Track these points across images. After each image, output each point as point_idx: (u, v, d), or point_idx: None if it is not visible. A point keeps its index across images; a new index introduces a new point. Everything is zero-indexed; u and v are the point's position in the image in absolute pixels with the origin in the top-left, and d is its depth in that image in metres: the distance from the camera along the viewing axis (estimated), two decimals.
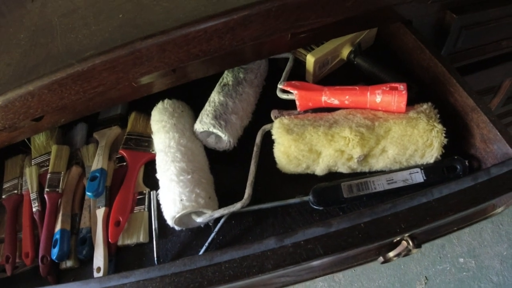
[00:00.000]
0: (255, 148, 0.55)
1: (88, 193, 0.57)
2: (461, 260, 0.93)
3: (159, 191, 0.53)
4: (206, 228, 0.54)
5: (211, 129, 0.54)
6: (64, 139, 0.67)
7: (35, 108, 0.52)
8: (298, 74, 0.65)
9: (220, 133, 0.54)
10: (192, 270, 0.41)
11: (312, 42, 0.62)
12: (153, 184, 0.59)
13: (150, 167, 0.61)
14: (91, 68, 0.46)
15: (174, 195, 0.50)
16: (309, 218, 0.53)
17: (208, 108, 0.56)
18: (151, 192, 0.56)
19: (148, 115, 0.64)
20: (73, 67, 0.46)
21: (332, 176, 0.55)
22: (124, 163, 0.62)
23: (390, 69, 0.60)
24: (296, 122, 0.54)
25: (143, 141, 0.62)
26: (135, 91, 0.55)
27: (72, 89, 0.49)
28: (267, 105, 0.61)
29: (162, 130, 0.56)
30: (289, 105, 0.58)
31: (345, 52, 0.63)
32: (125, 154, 0.60)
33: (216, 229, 0.52)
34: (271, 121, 0.58)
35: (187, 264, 0.42)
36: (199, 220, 0.50)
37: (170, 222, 0.50)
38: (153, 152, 0.61)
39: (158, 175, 0.55)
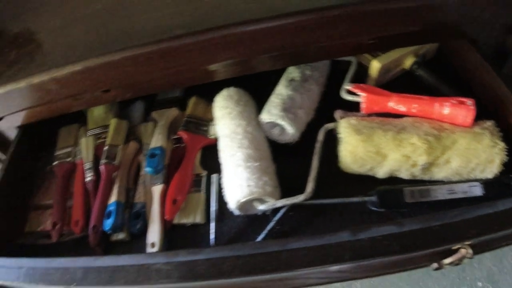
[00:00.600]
0: (317, 145, 0.56)
1: (147, 169, 0.57)
2: (480, 284, 0.94)
3: (223, 175, 0.54)
4: (262, 216, 0.55)
5: (279, 121, 0.55)
6: (120, 115, 0.67)
7: (112, 79, 0.52)
8: (358, 78, 0.66)
9: (287, 126, 0.55)
10: (267, 254, 0.42)
11: (378, 49, 0.63)
12: (209, 168, 0.60)
13: (207, 151, 0.62)
14: (183, 46, 0.47)
15: (241, 180, 0.50)
16: (366, 219, 0.53)
17: (275, 100, 0.57)
18: (212, 175, 0.57)
19: (208, 101, 0.64)
20: (164, 42, 0.47)
21: (391, 180, 0.55)
22: (181, 145, 0.62)
23: (451, 84, 0.62)
24: (364, 123, 0.55)
25: (202, 125, 0.63)
26: (207, 75, 0.56)
27: (156, 64, 0.50)
28: (326, 104, 0.62)
29: (228, 116, 0.57)
30: (351, 107, 0.59)
31: (408, 62, 0.65)
32: (184, 136, 0.61)
33: (276, 218, 0.52)
34: (330, 120, 0.59)
35: (259, 248, 0.43)
36: (261, 207, 0.51)
37: (233, 205, 0.51)
38: (211, 137, 0.62)
39: (222, 160, 0.55)
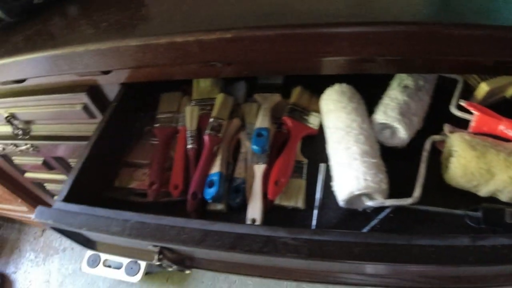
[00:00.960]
0: (424, 153, 0.57)
1: (254, 147, 0.58)
2: None
3: (334, 166, 0.55)
4: (363, 212, 0.55)
5: (395, 123, 0.56)
6: (224, 91, 0.68)
7: (239, 53, 0.52)
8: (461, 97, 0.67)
9: (401, 130, 0.56)
10: (395, 245, 0.42)
11: (491, 73, 0.64)
12: (308, 156, 0.61)
13: (306, 140, 0.63)
14: (336, 34, 0.47)
15: (358, 173, 0.51)
16: (464, 232, 0.54)
17: (391, 104, 0.58)
18: (320, 164, 0.58)
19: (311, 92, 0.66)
20: (324, 28, 0.47)
21: (489, 200, 0.56)
22: (282, 130, 0.63)
23: None
24: (477, 141, 0.55)
25: (306, 115, 0.64)
26: (323, 67, 0.57)
27: (288, 47, 0.50)
28: (431, 116, 0.63)
29: (343, 111, 0.58)
30: (458, 123, 0.60)
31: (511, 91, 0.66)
32: (289, 122, 0.62)
33: (381, 216, 0.53)
34: (434, 132, 0.59)
35: (387, 239, 0.43)
36: (370, 203, 0.52)
37: (344, 196, 0.52)
38: (313, 127, 0.63)
39: (332, 151, 0.56)
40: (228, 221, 0.56)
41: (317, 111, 0.65)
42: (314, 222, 0.54)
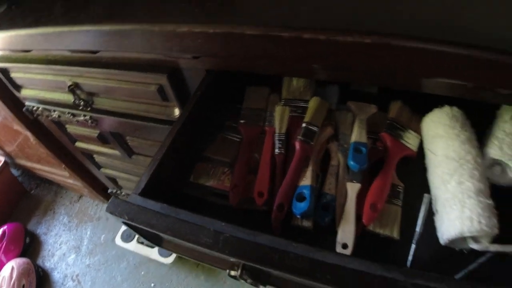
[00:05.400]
0: None
1: (352, 163, 0.53)
2: None
3: (441, 199, 0.50)
4: (460, 252, 0.50)
5: (511, 162, 0.50)
6: (316, 94, 0.63)
7: (339, 57, 0.47)
8: None
9: None
10: None
11: None
12: (404, 181, 0.56)
13: (402, 163, 0.57)
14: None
15: (472, 214, 0.46)
16: None
17: (506, 139, 0.52)
18: (425, 195, 0.52)
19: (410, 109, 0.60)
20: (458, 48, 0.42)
21: None
22: (376, 146, 0.58)
23: None
24: None
25: (405, 134, 0.58)
26: (421, 85, 0.50)
27: (392, 57, 0.44)
28: None
29: (456, 139, 0.52)
30: None
31: None
32: (388, 140, 0.57)
33: (481, 260, 0.48)
34: None
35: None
36: (474, 246, 0.47)
37: (452, 236, 0.47)
38: (412, 148, 0.58)
39: (440, 181, 0.51)
40: (315, 241, 0.53)
41: (417, 131, 0.59)
42: (410, 258, 0.49)
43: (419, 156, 0.58)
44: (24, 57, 0.77)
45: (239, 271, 0.48)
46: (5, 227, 1.45)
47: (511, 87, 0.43)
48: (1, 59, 0.81)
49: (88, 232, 1.47)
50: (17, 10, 0.68)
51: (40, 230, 1.52)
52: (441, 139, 0.54)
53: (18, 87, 0.88)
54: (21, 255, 1.41)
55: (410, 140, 0.59)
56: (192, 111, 0.59)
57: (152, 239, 0.59)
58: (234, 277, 0.51)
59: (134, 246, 1.30)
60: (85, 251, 1.42)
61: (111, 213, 0.49)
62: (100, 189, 1.37)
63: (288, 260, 0.40)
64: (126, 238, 1.31)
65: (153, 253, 1.27)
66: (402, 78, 0.50)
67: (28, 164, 1.41)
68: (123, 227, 1.31)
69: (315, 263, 0.40)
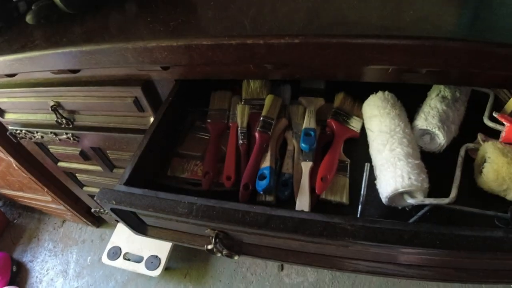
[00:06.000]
0: (460, 159, 0.62)
1: (303, 145, 0.63)
2: None
3: (378, 166, 0.59)
4: (402, 210, 0.60)
5: (435, 129, 0.61)
6: (272, 93, 0.73)
7: (297, 57, 0.56)
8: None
9: (441, 136, 0.61)
10: (439, 234, 0.46)
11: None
12: (350, 157, 0.66)
13: (349, 143, 0.68)
14: (392, 45, 0.52)
15: (402, 172, 0.56)
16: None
17: (431, 112, 0.63)
18: (366, 164, 0.62)
19: (353, 99, 0.71)
20: (383, 39, 0.52)
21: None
22: (325, 132, 0.68)
23: None
24: (509, 149, 0.60)
25: (348, 119, 0.69)
26: (369, 75, 0.61)
27: (363, 56, 0.54)
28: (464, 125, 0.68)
29: (387, 116, 0.63)
30: (489, 133, 0.65)
31: None
32: (333, 124, 0.67)
33: (420, 213, 0.58)
34: (465, 141, 0.64)
35: (428, 228, 0.47)
36: (411, 201, 0.56)
37: (388, 193, 0.56)
38: (355, 130, 0.68)
39: (376, 152, 0.61)
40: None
41: (359, 116, 0.70)
42: (358, 216, 0.58)
43: (364, 137, 0.68)
44: (8, 82, 0.85)
45: (213, 241, 0.56)
46: None
47: (430, 66, 0.53)
48: None
49: (74, 256, 1.50)
50: (0, 39, 0.76)
51: (26, 258, 1.54)
52: (375, 118, 0.64)
53: (2, 112, 0.95)
54: (9, 284, 1.43)
55: (354, 124, 0.69)
56: (165, 113, 0.68)
57: (137, 228, 0.66)
58: (211, 250, 0.58)
59: (120, 263, 1.34)
60: (72, 275, 1.45)
61: (100, 200, 0.56)
62: (83, 211, 1.41)
63: (248, 217, 0.49)
64: (113, 256, 1.35)
65: (140, 267, 1.31)
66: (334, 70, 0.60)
67: (10, 192, 1.44)
68: (109, 246, 1.35)
69: (270, 217, 0.48)
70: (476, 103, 0.71)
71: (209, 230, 0.56)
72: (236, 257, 0.60)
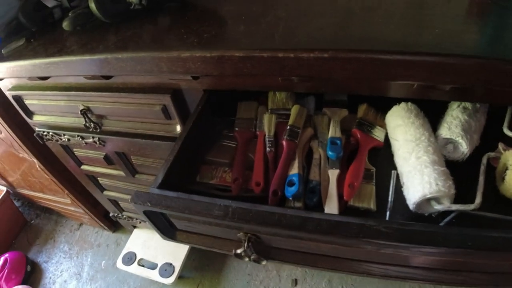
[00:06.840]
0: (482, 167, 0.64)
1: (330, 153, 0.65)
2: None
3: (405, 173, 0.62)
4: (428, 217, 0.61)
5: (458, 138, 0.63)
6: (297, 103, 0.75)
7: (323, 71, 0.59)
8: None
9: (464, 145, 0.63)
10: (470, 235, 0.48)
11: None
12: (375, 166, 0.68)
13: (373, 153, 0.70)
14: (418, 62, 0.54)
15: (430, 179, 0.58)
16: None
17: (454, 121, 0.65)
18: (393, 171, 0.64)
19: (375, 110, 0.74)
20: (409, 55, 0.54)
21: None
22: (349, 141, 0.70)
23: None
24: None
25: (373, 129, 0.71)
26: (395, 90, 0.63)
27: (389, 71, 0.56)
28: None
29: (411, 125, 0.65)
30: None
31: None
32: (358, 134, 0.69)
33: (447, 219, 0.60)
34: (486, 150, 0.66)
35: (460, 231, 0.49)
36: (438, 207, 0.58)
37: (416, 199, 0.58)
38: (379, 139, 0.70)
39: (402, 160, 0.63)
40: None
41: (382, 126, 0.72)
42: None
43: (387, 147, 0.70)
44: (39, 85, 0.88)
45: (245, 245, 0.58)
46: (6, 255, 1.49)
47: (454, 83, 0.55)
48: (17, 88, 0.91)
49: (89, 259, 1.51)
50: (36, 43, 0.80)
51: (40, 259, 1.56)
52: (400, 128, 0.67)
53: (31, 114, 0.98)
54: (23, 283, 1.45)
55: (377, 133, 0.71)
56: (195, 121, 0.71)
57: (167, 232, 0.68)
58: (239, 255, 0.60)
59: (135, 268, 1.36)
60: (86, 278, 1.46)
61: (135, 203, 0.58)
62: (101, 215, 1.44)
63: (284, 219, 0.51)
64: (127, 261, 1.37)
65: (154, 274, 1.33)
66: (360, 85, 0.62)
67: (30, 193, 1.47)
68: (124, 251, 1.37)
69: (306, 219, 0.50)
70: (494, 113, 0.73)
71: (241, 233, 0.58)
72: (264, 262, 0.62)
